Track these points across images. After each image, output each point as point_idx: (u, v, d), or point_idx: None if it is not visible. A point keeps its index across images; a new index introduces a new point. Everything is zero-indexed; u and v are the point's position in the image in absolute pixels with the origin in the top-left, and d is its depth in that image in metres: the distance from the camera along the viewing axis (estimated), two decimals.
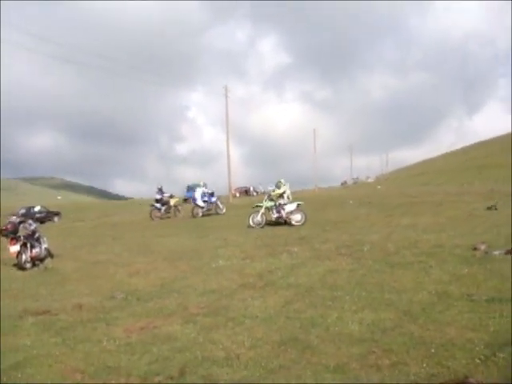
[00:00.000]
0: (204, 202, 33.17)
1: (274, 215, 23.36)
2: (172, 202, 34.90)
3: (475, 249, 12.81)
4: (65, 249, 19.58)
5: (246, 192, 78.04)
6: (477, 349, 6.24)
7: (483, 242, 13.29)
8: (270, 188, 25.26)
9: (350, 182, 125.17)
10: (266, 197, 24.63)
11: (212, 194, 33.87)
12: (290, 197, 25.58)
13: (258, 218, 23.37)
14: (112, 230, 27.90)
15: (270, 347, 6.97)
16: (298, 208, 23.27)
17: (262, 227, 22.79)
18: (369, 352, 6.48)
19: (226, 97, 61.50)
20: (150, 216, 34.22)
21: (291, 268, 12.64)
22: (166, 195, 34.73)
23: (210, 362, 6.57)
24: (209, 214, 32.76)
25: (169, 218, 33.70)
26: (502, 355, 5.92)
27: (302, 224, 22.36)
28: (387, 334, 7.16)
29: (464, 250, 12.91)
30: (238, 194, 73.32)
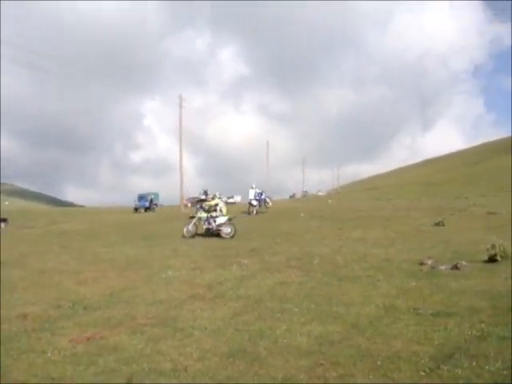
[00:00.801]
0: (256, 200, 39.20)
1: (205, 226, 24.32)
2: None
3: (422, 263, 13.08)
4: (11, 256, 19.10)
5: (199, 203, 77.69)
6: (422, 361, 6.35)
7: (430, 257, 13.58)
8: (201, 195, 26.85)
9: (298, 195, 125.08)
10: (198, 206, 26.43)
11: (261, 194, 41.03)
12: (224, 210, 26.58)
13: (190, 227, 24.32)
14: (61, 238, 27.34)
15: (218, 359, 6.94)
16: (230, 222, 24.02)
17: (193, 237, 23.60)
18: (316, 364, 6.52)
19: (181, 106, 61.45)
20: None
21: (241, 280, 12.65)
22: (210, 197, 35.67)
23: (157, 374, 6.50)
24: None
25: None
26: (445, 367, 6.04)
27: (231, 237, 22.85)
28: (335, 346, 7.21)
29: (411, 265, 13.16)
30: (189, 205, 72.97)
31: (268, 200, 41.73)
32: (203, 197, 34.37)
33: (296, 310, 9.34)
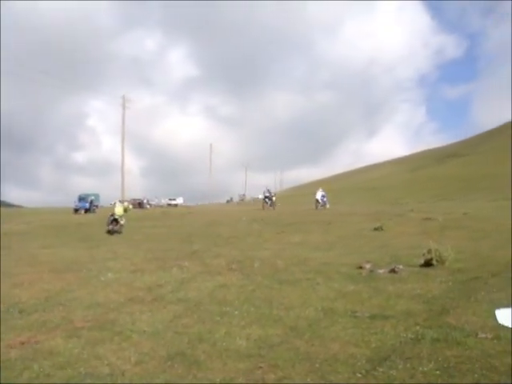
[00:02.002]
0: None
1: (116, 227, 27.21)
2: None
3: (361, 267, 13.30)
4: None
5: (140, 204, 76.75)
6: (358, 363, 6.45)
7: (369, 261, 13.83)
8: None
9: (236, 199, 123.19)
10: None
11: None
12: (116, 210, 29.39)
13: (109, 226, 27.37)
14: None
15: (157, 363, 6.88)
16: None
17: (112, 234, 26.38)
18: (255, 367, 6.54)
19: (124, 107, 60.78)
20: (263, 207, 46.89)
21: (181, 282, 12.57)
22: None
23: (94, 379, 6.38)
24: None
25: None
26: (381, 369, 6.16)
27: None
28: (274, 349, 7.25)
29: (350, 269, 13.37)
30: (131, 206, 72.07)
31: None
32: (267, 194, 48.85)
33: (236, 313, 9.34)
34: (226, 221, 33.16)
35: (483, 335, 7.20)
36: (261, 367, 6.52)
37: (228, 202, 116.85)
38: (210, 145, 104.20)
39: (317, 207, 44.68)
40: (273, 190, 52.13)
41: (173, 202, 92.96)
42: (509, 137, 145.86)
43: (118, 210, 28.28)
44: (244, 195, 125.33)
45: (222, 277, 13.09)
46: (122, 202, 32.04)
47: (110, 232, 26.88)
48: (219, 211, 49.23)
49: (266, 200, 49.23)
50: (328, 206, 46.07)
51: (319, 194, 46.45)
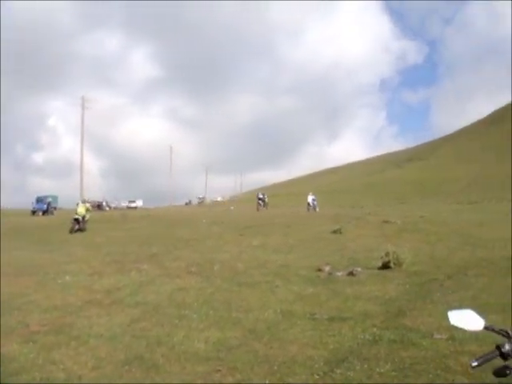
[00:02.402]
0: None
1: (77, 226, 29.22)
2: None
3: (320, 270, 13.39)
4: None
5: (99, 206, 75.80)
6: (316, 365, 6.50)
7: (327, 264, 13.94)
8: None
9: (195, 201, 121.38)
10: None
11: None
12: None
13: (75, 226, 29.21)
14: None
15: (114, 367, 6.82)
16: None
17: (73, 233, 28.05)
18: (214, 370, 6.53)
19: (83, 107, 60.19)
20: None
21: (140, 285, 12.48)
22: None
23: None
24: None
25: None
26: (339, 371, 6.22)
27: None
28: (232, 352, 7.26)
29: (309, 271, 13.45)
30: (90, 208, 71.12)
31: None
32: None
33: (195, 316, 9.32)
34: (186, 223, 32.97)
35: (438, 336, 7.33)
36: (219, 370, 6.52)
37: (187, 204, 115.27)
38: (170, 147, 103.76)
39: (308, 210, 46.30)
40: (265, 194, 55.95)
41: (132, 205, 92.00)
42: (465, 141, 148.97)
43: (80, 210, 29.86)
44: (203, 197, 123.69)
45: (181, 280, 13.04)
46: (84, 202, 32.75)
47: (72, 231, 28.30)
48: (179, 213, 48.93)
49: (260, 202, 52.50)
50: (317, 209, 47.52)
51: (310, 198, 48.72)
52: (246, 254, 17.21)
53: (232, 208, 66.12)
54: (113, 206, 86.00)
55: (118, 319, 9.36)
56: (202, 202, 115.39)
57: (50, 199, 63.67)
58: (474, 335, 6.78)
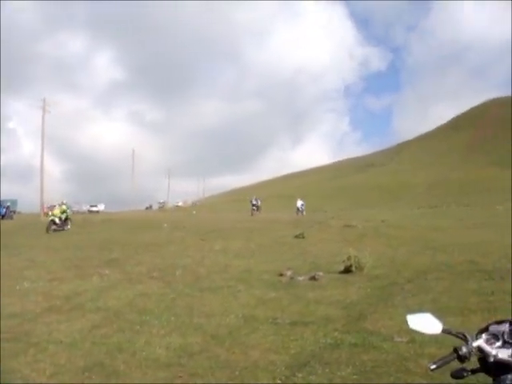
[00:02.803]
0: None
1: (53, 226, 31.49)
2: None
3: (282, 274, 13.41)
4: None
5: None
6: (278, 370, 6.51)
7: (289, 268, 13.96)
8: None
9: (155, 206, 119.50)
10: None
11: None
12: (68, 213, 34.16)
13: (51, 226, 31.39)
14: None
15: (73, 374, 6.71)
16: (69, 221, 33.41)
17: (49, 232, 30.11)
18: (175, 376, 6.49)
19: (44, 110, 59.23)
20: None
21: (100, 291, 12.33)
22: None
23: None
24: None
25: None
26: (300, 375, 6.24)
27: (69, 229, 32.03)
28: (194, 357, 7.22)
29: (271, 276, 13.46)
30: (50, 213, 70.05)
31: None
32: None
33: (156, 322, 9.24)
34: (148, 228, 32.72)
35: (399, 339, 7.41)
36: (180, 376, 6.48)
37: (147, 208, 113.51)
38: (133, 150, 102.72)
39: (297, 214, 48.67)
40: (257, 199, 56.62)
41: (94, 209, 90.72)
42: (425, 147, 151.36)
43: (55, 212, 32.57)
44: (164, 202, 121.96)
45: (143, 285, 12.93)
46: (61, 204, 34.14)
47: (48, 230, 30.66)
48: (141, 218, 48.61)
49: (254, 207, 53.60)
50: (304, 213, 50.14)
51: (299, 203, 52.31)
52: (208, 259, 17.15)
53: (194, 212, 65.96)
54: (74, 210, 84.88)
55: (78, 325, 9.22)
56: (162, 206, 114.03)
57: (8, 203, 62.50)
58: (433, 338, 6.87)
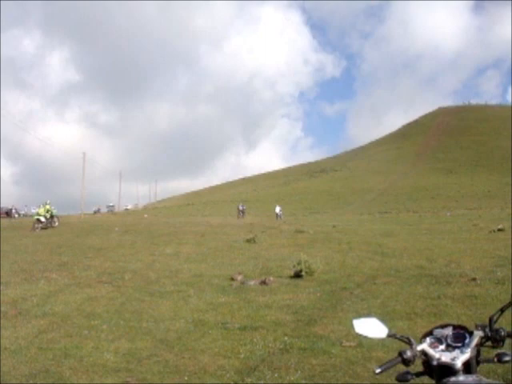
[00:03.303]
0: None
1: (39, 225, 33.71)
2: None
3: (233, 279, 13.43)
4: None
5: (7, 213, 73.05)
6: (227, 375, 6.51)
7: (240, 273, 13.99)
8: (34, 211, 36.51)
9: (104, 209, 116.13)
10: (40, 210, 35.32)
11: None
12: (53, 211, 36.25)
13: (35, 225, 33.51)
14: None
15: (18, 381, 6.56)
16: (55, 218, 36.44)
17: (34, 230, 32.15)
18: (123, 382, 6.43)
19: None
20: None
21: (48, 295, 12.09)
22: None
23: None
24: None
25: None
26: (249, 380, 6.26)
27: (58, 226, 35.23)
28: (143, 362, 7.15)
29: (222, 280, 13.46)
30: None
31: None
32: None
33: (104, 326, 9.12)
34: (98, 232, 32.31)
35: (347, 343, 7.50)
36: (128, 382, 6.41)
37: (95, 212, 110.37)
38: (83, 153, 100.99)
39: (276, 219, 50.24)
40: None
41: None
42: (376, 153, 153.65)
43: (40, 211, 34.83)
44: (113, 205, 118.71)
45: (92, 289, 12.74)
46: (45, 204, 35.82)
47: (34, 230, 32.62)
48: (91, 222, 47.92)
49: (240, 213, 56.24)
50: (283, 217, 51.87)
51: (278, 209, 54.86)
52: (159, 263, 17.03)
53: (146, 216, 65.34)
54: (22, 213, 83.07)
55: (23, 331, 9.02)
56: (112, 210, 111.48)
57: None
58: (381, 342, 7.00)
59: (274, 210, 55.90)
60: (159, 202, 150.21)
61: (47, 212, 35.16)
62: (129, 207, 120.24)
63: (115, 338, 8.38)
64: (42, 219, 34.25)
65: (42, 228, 33.51)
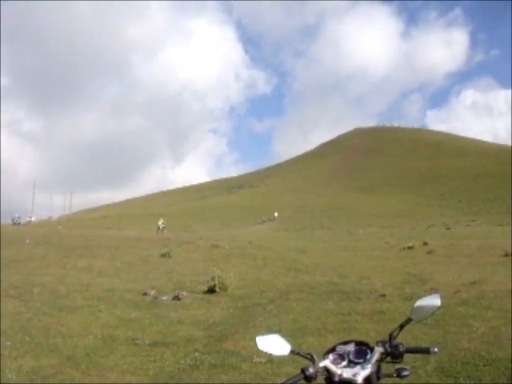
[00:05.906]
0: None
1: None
2: None
3: (145, 294, 13.25)
4: None
5: None
6: None
7: (153, 288, 13.82)
8: None
9: (9, 221, 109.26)
10: None
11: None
12: None
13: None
14: None
15: None
16: None
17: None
18: None
19: None
20: None
21: None
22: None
23: None
24: None
25: None
26: None
27: None
28: (47, 381, 6.94)
29: (134, 295, 13.24)
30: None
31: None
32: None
33: (8, 343, 8.75)
34: (9, 243, 31.16)
35: (258, 359, 7.53)
36: None
37: (15, 224, 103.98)
38: None
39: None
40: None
41: None
42: (293, 171, 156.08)
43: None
44: (19, 217, 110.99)
45: None
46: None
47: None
48: (2, 233, 46.19)
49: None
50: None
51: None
52: (70, 277, 16.56)
53: (60, 228, 63.61)
54: None
55: None
56: (17, 221, 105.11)
57: None
58: (291, 358, 7.04)
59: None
60: (75, 213, 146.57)
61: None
62: (32, 219, 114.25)
63: (19, 356, 8.06)
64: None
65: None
